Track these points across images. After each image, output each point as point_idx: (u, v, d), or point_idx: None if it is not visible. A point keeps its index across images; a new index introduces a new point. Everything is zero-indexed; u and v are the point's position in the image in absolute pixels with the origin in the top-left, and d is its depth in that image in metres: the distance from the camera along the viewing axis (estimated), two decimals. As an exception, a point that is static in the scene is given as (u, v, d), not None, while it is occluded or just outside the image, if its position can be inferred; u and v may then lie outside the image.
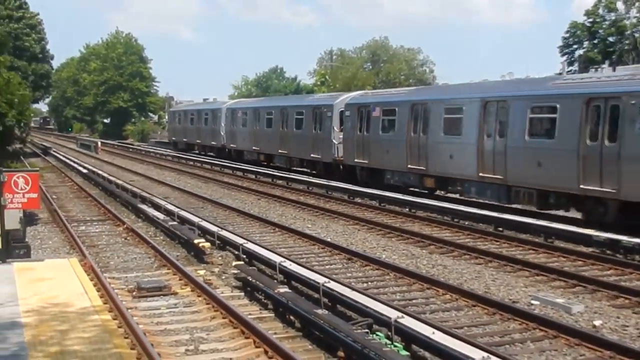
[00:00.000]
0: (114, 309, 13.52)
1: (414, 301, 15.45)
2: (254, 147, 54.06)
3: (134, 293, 15.92)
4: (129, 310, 13.75)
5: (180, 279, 17.27)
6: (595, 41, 75.25)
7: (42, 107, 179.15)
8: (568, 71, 68.85)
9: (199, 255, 20.42)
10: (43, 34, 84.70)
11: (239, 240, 20.44)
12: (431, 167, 31.78)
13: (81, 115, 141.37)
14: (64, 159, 63.12)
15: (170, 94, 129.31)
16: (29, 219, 24.95)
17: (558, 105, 24.88)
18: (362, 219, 27.05)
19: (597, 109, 23.35)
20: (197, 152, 69.58)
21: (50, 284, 14.65)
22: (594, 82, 24.87)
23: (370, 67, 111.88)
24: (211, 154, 64.37)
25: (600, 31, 74.77)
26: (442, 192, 33.12)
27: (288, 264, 16.99)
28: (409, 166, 33.17)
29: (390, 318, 12.17)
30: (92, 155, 74.47)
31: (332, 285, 14.72)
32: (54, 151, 74.99)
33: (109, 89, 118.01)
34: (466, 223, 25.63)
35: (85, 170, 48.35)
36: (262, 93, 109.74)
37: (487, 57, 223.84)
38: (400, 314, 12.37)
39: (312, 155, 43.94)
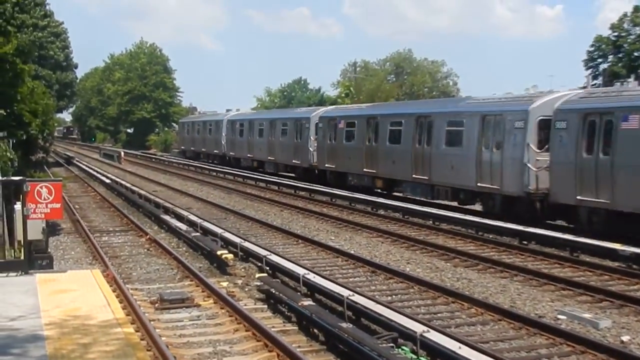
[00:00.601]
0: (136, 321, 13.47)
1: (438, 315, 15.32)
2: (248, 155, 60.83)
3: (157, 305, 15.86)
4: (152, 323, 13.70)
5: (203, 291, 17.20)
6: (620, 55, 74.68)
7: (66, 116, 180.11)
8: (593, 85, 68.34)
9: (221, 267, 20.36)
10: (67, 43, 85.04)
11: (262, 252, 20.38)
12: (380, 170, 38.49)
13: (104, 125, 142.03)
14: (87, 168, 63.38)
15: (194, 104, 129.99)
16: (51, 229, 24.99)
17: (464, 121, 31.38)
18: (386, 231, 26.91)
19: (489, 123, 29.69)
20: (203, 159, 74.26)
21: (73, 296, 14.60)
22: (488, 102, 31.89)
23: (394, 79, 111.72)
24: (215, 161, 69.41)
25: (625, 45, 74.21)
26: (389, 192, 38.71)
27: (312, 277, 16.89)
28: (365, 170, 39.83)
29: (415, 332, 12.05)
30: (115, 165, 74.76)
31: (357, 298, 14.63)
32: (77, 161, 75.33)
33: (132, 99, 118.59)
34: (490, 236, 25.42)
35: (108, 180, 48.49)
36: (285, 104, 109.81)
37: (511, 70, 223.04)
38: (425, 328, 12.24)
39: (293, 161, 50.69)
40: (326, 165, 44.70)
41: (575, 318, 14.86)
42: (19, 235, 17.34)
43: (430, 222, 28.97)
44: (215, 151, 70.80)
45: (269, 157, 55.75)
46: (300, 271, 17.52)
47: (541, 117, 27.34)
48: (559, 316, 15.12)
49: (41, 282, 16.00)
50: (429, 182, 33.53)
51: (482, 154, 29.64)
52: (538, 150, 27.21)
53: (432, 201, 33.96)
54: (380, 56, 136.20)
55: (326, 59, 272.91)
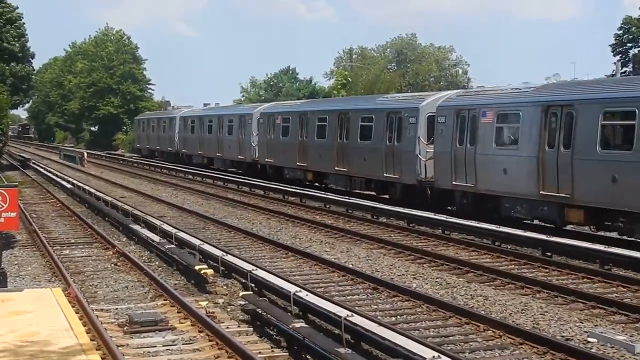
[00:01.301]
0: (102, 346, 13.34)
1: (450, 338, 15.23)
2: (199, 152, 68.83)
3: (126, 328, 15.74)
4: (120, 349, 13.59)
5: (178, 312, 17.10)
6: (652, 38, 74.85)
7: (21, 113, 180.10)
8: (622, 72, 68.46)
9: (200, 284, 20.25)
10: (23, 30, 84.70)
11: (247, 267, 20.26)
12: (309, 164, 46.10)
13: (65, 123, 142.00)
14: (45, 172, 63.24)
15: (167, 98, 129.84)
16: (4, 241, 24.81)
17: (373, 117, 39.57)
18: (389, 242, 26.85)
19: (392, 119, 37.54)
20: (157, 157, 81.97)
21: (30, 318, 14.47)
22: (391, 100, 41.15)
23: (396, 67, 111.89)
24: (169, 159, 76.48)
25: (658, 28, 74.36)
26: (318, 183, 45.96)
27: (304, 295, 16.77)
28: (298, 163, 47.38)
29: (424, 358, 11.94)
30: (77, 167, 74.65)
31: (356, 319, 14.50)
32: (33, 163, 75.21)
33: (97, 93, 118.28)
34: (509, 247, 25.40)
35: (69, 185, 48.33)
36: (272, 97, 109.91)
37: (529, 57, 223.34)
38: (435, 354, 12.14)
39: (239, 157, 58.53)
40: (266, 160, 52.57)
41: (608, 341, 14.80)
42: (-33, 248, 17.19)
43: (440, 230, 28.94)
44: (169, 149, 78.48)
45: (217, 154, 63.97)
46: (291, 288, 17.41)
47: (429, 114, 34.76)
48: (589, 339, 15.06)
49: (-7, 302, 15.88)
50: (348, 173, 41.48)
51: (387, 148, 37.45)
52: (427, 143, 34.53)
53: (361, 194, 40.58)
54: (380, 42, 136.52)
55: (318, 46, 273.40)
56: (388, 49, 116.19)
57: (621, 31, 77.96)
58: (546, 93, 29.03)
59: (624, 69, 72.91)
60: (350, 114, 41.85)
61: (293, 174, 48.72)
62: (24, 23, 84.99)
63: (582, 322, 16.38)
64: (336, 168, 42.16)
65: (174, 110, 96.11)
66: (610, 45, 79.15)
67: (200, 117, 69.28)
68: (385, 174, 37.46)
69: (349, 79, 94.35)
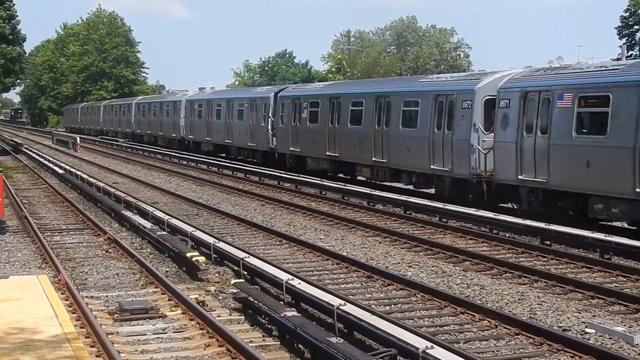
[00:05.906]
0: (91, 334, 13.39)
1: (445, 328, 15.27)
2: (148, 131, 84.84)
3: (116, 316, 15.78)
4: (109, 337, 13.61)
5: (169, 299, 17.12)
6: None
7: (14, 97, 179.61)
8: (628, 56, 68.32)
9: (192, 271, 20.27)
10: (13, 12, 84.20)
11: (239, 254, 20.27)
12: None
13: (58, 107, 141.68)
14: (37, 157, 63.19)
15: (162, 82, 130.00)
16: (-7, 227, 24.87)
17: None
18: (384, 230, 26.85)
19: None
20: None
21: (16, 306, 14.50)
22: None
23: (395, 51, 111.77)
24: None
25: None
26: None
27: (297, 283, 16.79)
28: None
29: (417, 348, 11.96)
30: (69, 153, 74.57)
31: (349, 308, 14.53)
32: (26, 148, 75.11)
33: (90, 76, 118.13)
34: (507, 235, 25.39)
35: (61, 171, 48.31)
36: (267, 81, 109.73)
37: (533, 40, 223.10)
38: (429, 344, 12.16)
39: (172, 134, 70.83)
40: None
41: (606, 331, 14.81)
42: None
43: (437, 218, 28.92)
44: (127, 130, 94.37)
45: (160, 133, 79.34)
46: (284, 276, 17.43)
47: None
48: (587, 329, 15.08)
49: (-21, 289, 15.90)
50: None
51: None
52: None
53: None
54: (379, 24, 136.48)
55: (315, 29, 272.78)
56: (387, 32, 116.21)
57: (627, 13, 77.58)
58: None
59: (630, 52, 72.68)
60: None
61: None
62: (14, 4, 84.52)
63: (580, 313, 16.39)
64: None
65: (169, 93, 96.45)
66: (616, 28, 78.82)
67: (147, 104, 73.83)
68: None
69: (344, 63, 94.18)
